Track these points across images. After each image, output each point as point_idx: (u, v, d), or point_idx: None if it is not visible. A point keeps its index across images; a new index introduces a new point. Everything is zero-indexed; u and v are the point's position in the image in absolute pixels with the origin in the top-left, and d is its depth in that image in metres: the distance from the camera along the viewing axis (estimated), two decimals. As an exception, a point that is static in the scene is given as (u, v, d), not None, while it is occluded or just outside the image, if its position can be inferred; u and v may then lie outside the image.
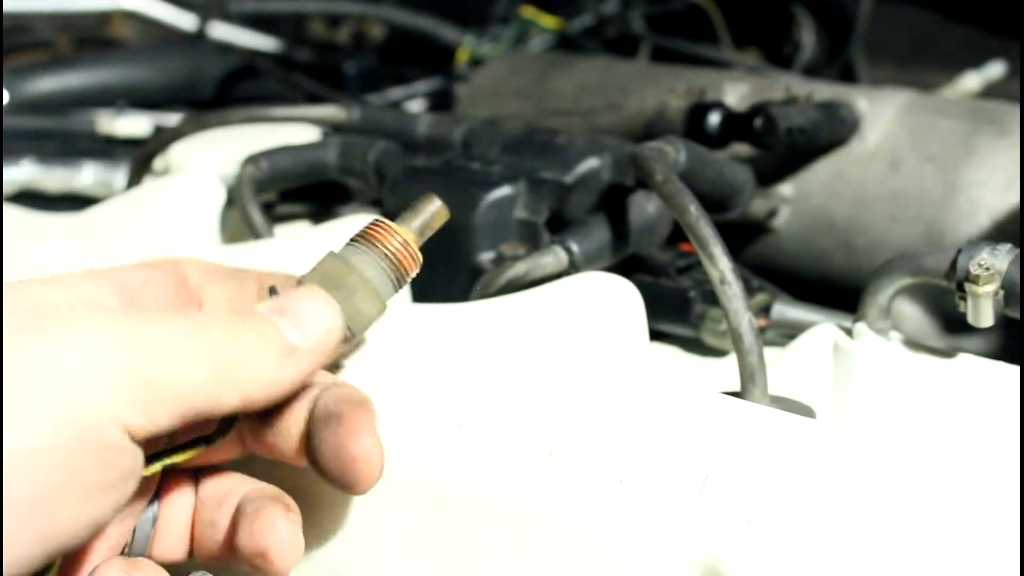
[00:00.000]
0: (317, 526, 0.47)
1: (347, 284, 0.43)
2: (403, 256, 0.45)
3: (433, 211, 0.47)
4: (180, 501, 0.45)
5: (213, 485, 0.45)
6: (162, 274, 0.44)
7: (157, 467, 0.41)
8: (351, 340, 0.45)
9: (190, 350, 0.37)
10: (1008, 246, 0.52)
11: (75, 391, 0.34)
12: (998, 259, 0.51)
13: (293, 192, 0.82)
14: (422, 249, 0.47)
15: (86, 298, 0.40)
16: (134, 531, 0.43)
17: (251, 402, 0.39)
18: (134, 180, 0.87)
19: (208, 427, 0.42)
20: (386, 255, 0.45)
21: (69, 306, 0.37)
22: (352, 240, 0.46)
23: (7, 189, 0.97)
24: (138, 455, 0.37)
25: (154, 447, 0.41)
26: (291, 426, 0.42)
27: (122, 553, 0.43)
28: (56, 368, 0.34)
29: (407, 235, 0.46)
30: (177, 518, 0.45)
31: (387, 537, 0.47)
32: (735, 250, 0.66)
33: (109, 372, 0.35)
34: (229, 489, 0.44)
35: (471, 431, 0.46)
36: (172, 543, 0.44)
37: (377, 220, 0.46)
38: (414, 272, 0.47)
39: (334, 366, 0.49)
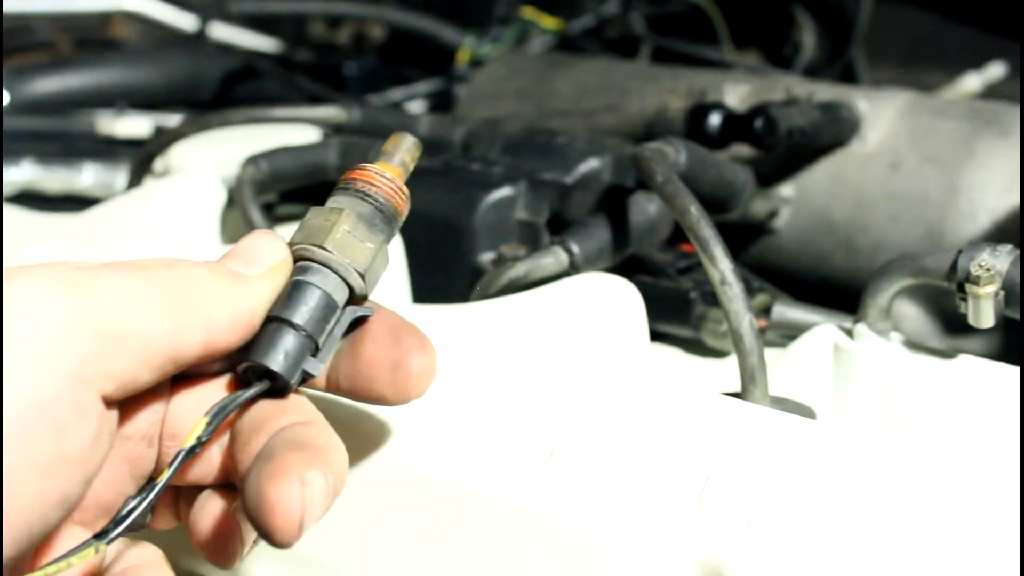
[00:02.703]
0: (316, 526, 0.47)
1: (346, 236, 0.42)
2: (395, 195, 0.44)
3: (409, 144, 0.46)
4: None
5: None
6: None
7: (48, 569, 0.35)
8: (369, 293, 0.43)
9: (143, 295, 0.36)
10: (1008, 247, 0.52)
11: (31, 362, 0.33)
12: (998, 260, 0.51)
13: (293, 193, 0.82)
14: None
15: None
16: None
17: (215, 335, 0.38)
18: (134, 181, 0.87)
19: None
20: (377, 198, 0.43)
21: (16, 271, 0.36)
22: (340, 189, 0.44)
23: (7, 189, 0.97)
24: (109, 417, 0.36)
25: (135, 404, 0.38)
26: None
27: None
28: (9, 343, 0.33)
29: (393, 172, 0.44)
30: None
31: (388, 538, 0.47)
32: (736, 251, 0.66)
33: (64, 336, 0.34)
34: None
35: (472, 432, 0.46)
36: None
37: (360, 166, 0.44)
38: (406, 210, 0.45)
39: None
